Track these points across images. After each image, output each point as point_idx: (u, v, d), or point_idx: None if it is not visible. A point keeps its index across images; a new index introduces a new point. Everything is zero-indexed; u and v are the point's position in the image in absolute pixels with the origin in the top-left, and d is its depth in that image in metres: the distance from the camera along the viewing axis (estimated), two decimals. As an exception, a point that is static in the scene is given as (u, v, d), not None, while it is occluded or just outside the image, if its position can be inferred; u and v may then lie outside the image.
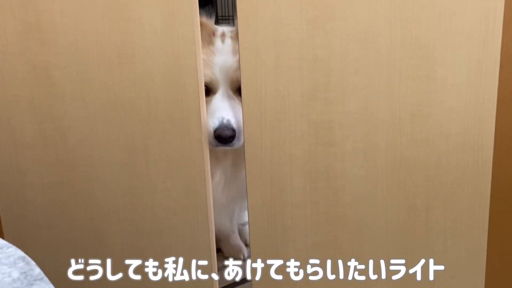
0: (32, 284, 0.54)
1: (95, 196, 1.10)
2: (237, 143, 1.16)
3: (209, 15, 1.28)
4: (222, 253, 1.60)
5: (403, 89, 1.01)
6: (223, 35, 1.25)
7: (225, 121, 1.15)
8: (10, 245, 0.61)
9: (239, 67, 1.12)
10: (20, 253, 0.59)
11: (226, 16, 3.43)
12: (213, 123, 1.14)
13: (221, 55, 1.22)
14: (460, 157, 1.05)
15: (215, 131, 1.14)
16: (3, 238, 0.83)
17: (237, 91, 1.21)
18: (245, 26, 0.97)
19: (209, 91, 1.19)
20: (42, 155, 1.09)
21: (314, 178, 1.06)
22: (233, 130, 1.15)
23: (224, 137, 1.13)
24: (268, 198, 1.07)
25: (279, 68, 1.00)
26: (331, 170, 1.06)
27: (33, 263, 0.57)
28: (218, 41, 1.24)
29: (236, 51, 1.21)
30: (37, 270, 0.56)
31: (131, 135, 1.05)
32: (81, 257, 1.14)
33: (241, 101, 1.04)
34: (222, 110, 1.17)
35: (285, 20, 0.97)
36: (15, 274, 0.55)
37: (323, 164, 1.05)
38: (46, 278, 0.55)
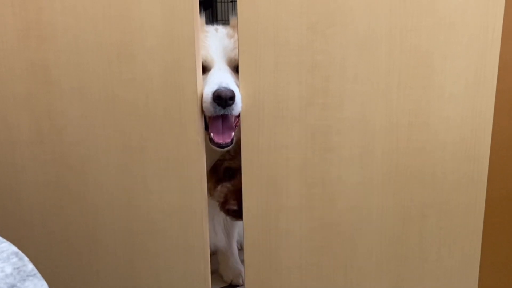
0: (25, 280, 0.53)
1: (90, 195, 1.10)
2: (236, 109, 1.12)
3: (209, 18, 1.29)
4: (221, 278, 1.59)
5: (401, 97, 1.01)
6: (216, 28, 1.27)
7: (223, 84, 1.13)
8: (4, 240, 0.60)
9: (236, 47, 1.13)
10: (14, 248, 0.59)
11: (226, 20, 3.44)
12: (211, 88, 1.12)
13: (215, 39, 1.22)
14: (456, 166, 1.05)
15: (215, 92, 1.10)
16: (-4, 234, 0.83)
17: (235, 69, 1.19)
18: (245, 30, 0.98)
19: (205, 69, 1.18)
20: (38, 153, 1.09)
21: (310, 184, 1.06)
22: (233, 92, 1.11)
23: (224, 97, 1.10)
24: (264, 202, 1.07)
25: (278, 72, 1.00)
26: (327, 176, 1.06)
27: (26, 258, 0.57)
28: (211, 30, 1.25)
29: (231, 36, 1.22)
30: (30, 266, 0.56)
31: (128, 135, 1.05)
32: (74, 256, 1.14)
33: (238, 78, 1.03)
34: (219, 78, 1.16)
35: (285, 25, 0.97)
36: (8, 269, 0.55)
37: (319, 170, 1.05)
38: (39, 274, 0.55)
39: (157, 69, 1.01)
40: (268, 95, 1.01)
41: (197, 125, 1.03)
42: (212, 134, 1.16)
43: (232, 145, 1.18)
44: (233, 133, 1.18)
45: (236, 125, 1.19)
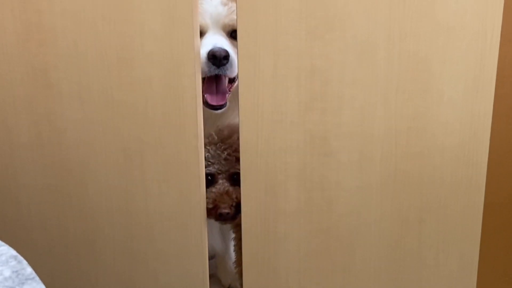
0: (23, 283, 0.54)
1: (89, 199, 1.10)
2: (230, 70, 1.17)
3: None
4: (219, 282, 1.60)
5: (399, 102, 1.01)
6: None
7: (218, 44, 1.17)
8: (3, 243, 0.60)
9: (230, 13, 1.17)
10: (12, 251, 0.59)
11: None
12: (206, 48, 1.15)
13: (209, 6, 1.24)
14: (454, 171, 1.05)
15: (210, 52, 1.14)
16: (-5, 237, 0.83)
17: (230, 35, 1.22)
18: (245, 34, 0.98)
19: (200, 34, 1.20)
20: (37, 156, 1.09)
21: (309, 188, 1.06)
22: (227, 52, 1.16)
23: (218, 56, 1.14)
24: (263, 205, 1.07)
25: (277, 77, 1.00)
26: (326, 180, 1.06)
27: (25, 262, 0.57)
28: None
29: (225, 3, 1.23)
30: (29, 270, 0.56)
31: (127, 139, 1.05)
32: (73, 259, 1.14)
33: (233, 43, 1.04)
34: (214, 40, 1.19)
35: (285, 29, 0.97)
36: (7, 273, 0.55)
37: (318, 174, 1.06)
38: (37, 278, 0.55)
39: (157, 73, 1.01)
40: (267, 99, 1.01)
41: (196, 129, 1.03)
42: (206, 96, 1.19)
43: (225, 108, 1.20)
44: (227, 95, 1.21)
45: (229, 90, 1.23)
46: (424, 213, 1.07)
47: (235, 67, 1.18)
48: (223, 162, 1.16)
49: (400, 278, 1.12)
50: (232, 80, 1.25)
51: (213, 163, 1.15)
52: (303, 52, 0.98)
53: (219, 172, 1.15)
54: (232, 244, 1.58)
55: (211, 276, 1.16)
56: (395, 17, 0.96)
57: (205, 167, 1.12)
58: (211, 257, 1.54)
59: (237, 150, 1.08)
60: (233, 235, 1.31)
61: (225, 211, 1.12)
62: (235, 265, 1.32)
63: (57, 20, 1.01)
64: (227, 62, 1.15)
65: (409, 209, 1.07)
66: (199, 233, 1.09)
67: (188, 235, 1.10)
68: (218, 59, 1.14)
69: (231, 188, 1.14)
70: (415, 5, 0.96)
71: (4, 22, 1.02)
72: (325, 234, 1.09)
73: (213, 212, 1.12)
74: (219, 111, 1.20)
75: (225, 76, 1.20)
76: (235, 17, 0.99)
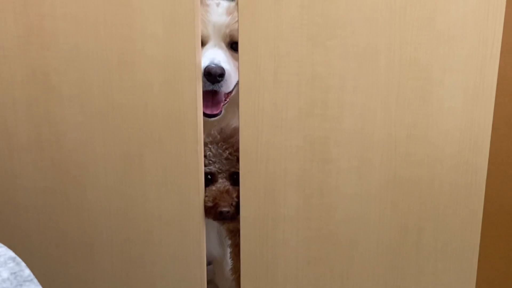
0: (21, 285, 0.53)
1: (88, 202, 1.10)
2: (225, 86, 1.18)
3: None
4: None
5: (399, 109, 1.01)
6: (217, 3, 1.29)
7: (215, 60, 1.18)
8: (1, 245, 0.60)
9: (232, 24, 1.17)
10: (11, 253, 0.59)
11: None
12: (203, 63, 1.15)
13: (215, 14, 1.24)
14: (453, 179, 1.05)
15: (206, 68, 1.15)
16: (-7, 239, 0.83)
17: (230, 46, 1.23)
18: (246, 40, 0.98)
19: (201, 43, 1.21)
20: (37, 159, 1.09)
21: (308, 194, 1.06)
22: (223, 69, 1.16)
23: (213, 73, 1.15)
24: (261, 211, 1.07)
25: (277, 83, 1.00)
26: (325, 187, 1.06)
27: (23, 264, 0.57)
28: (212, 4, 1.27)
29: (230, 12, 1.24)
30: (27, 271, 0.56)
31: (127, 143, 1.05)
32: (71, 263, 1.13)
33: (233, 55, 1.03)
34: (213, 54, 1.20)
35: (286, 36, 0.98)
36: (5, 274, 0.55)
37: (317, 181, 1.06)
38: (35, 280, 0.55)
39: (157, 77, 1.01)
40: (268, 105, 1.02)
41: (196, 133, 1.03)
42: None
43: (220, 115, 1.22)
44: (221, 105, 1.22)
45: (226, 100, 1.24)
46: (423, 221, 1.07)
47: (230, 82, 1.19)
48: (224, 161, 1.15)
49: (399, 285, 1.11)
50: (228, 92, 1.26)
51: (214, 162, 1.15)
52: (304, 59, 0.99)
53: (220, 171, 1.15)
54: (228, 250, 1.58)
55: (208, 282, 1.15)
56: (396, 25, 0.97)
57: (206, 166, 1.12)
58: (208, 263, 1.54)
59: (238, 150, 1.08)
60: (229, 242, 1.30)
61: (225, 210, 1.11)
62: (231, 272, 1.31)
63: (58, 23, 1.01)
64: (222, 80, 1.17)
65: (408, 216, 1.07)
66: (198, 238, 1.09)
67: (187, 240, 1.09)
68: (213, 76, 1.15)
69: (231, 187, 1.13)
70: (416, 13, 0.96)
71: (6, 25, 1.02)
72: (324, 241, 1.09)
73: (212, 211, 1.11)
74: (213, 119, 1.21)
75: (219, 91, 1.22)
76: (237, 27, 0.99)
